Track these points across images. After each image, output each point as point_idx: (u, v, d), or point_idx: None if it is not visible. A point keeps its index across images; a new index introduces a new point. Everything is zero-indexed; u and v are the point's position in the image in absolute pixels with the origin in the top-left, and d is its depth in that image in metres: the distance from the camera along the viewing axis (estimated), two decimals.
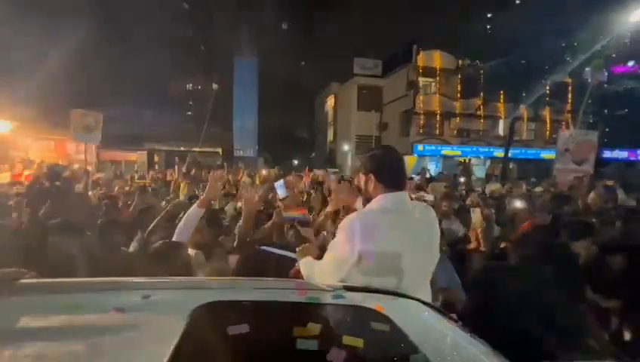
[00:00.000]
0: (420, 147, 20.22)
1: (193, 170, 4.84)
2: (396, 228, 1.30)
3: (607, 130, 21.80)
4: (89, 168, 5.12)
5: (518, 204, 2.94)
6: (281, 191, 2.32)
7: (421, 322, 0.98)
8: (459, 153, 20.67)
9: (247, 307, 0.92)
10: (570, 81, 19.83)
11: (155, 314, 0.88)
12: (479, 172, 18.91)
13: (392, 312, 0.90)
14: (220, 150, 17.33)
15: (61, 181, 4.33)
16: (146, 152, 11.13)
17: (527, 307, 1.70)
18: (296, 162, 28.32)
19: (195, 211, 1.96)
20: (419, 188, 4.12)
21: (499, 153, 21.40)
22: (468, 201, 3.77)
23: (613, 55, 21.29)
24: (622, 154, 22.33)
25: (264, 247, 1.78)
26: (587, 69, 21.65)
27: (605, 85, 19.34)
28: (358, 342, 0.73)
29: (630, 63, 23.15)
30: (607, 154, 22.16)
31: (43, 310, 0.85)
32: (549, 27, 13.12)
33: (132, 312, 0.85)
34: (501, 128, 21.79)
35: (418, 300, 1.11)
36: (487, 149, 20.41)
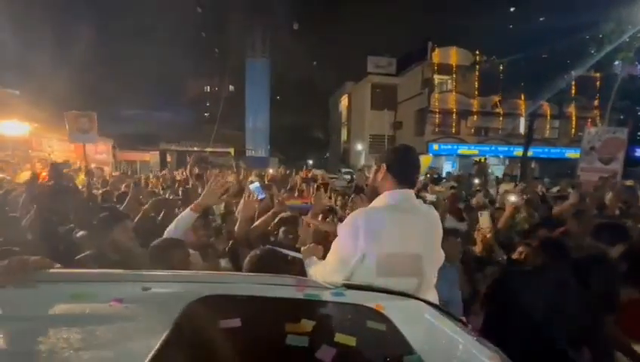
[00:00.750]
0: (436, 146, 19.85)
1: (196, 169, 4.91)
2: (402, 226, 1.27)
3: (638, 126, 20.75)
4: (92, 166, 5.27)
5: (513, 198, 2.84)
6: (258, 193, 2.31)
7: (423, 324, 0.97)
8: (476, 152, 20.16)
9: (243, 301, 0.93)
10: (597, 75, 18.99)
11: (151, 306, 0.90)
12: (498, 172, 18.38)
13: (392, 312, 0.89)
14: (232, 150, 17.60)
15: (63, 178, 4.49)
16: (158, 152, 11.42)
17: (550, 316, 1.66)
18: (310, 162, 28.44)
19: (187, 215, 1.90)
20: (420, 188, 4.06)
21: (518, 152, 20.75)
22: (474, 202, 3.68)
23: None
24: None
25: (272, 248, 1.77)
26: (617, 62, 20.76)
27: (638, 79, 18.42)
28: (350, 341, 0.73)
29: None
30: (639, 152, 21.12)
31: (48, 298, 0.89)
32: (573, 19, 12.56)
33: (130, 303, 0.87)
34: (521, 126, 21.11)
35: (424, 301, 1.09)
36: (506, 148, 19.84)
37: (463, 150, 20.09)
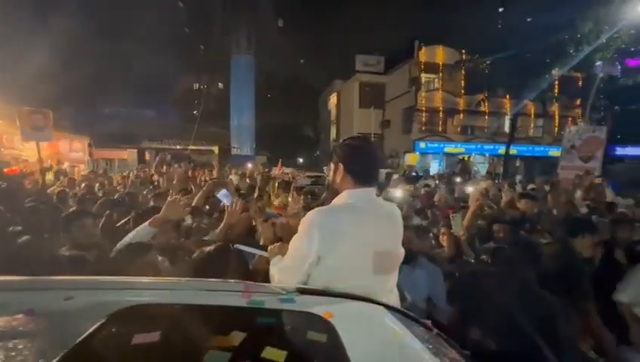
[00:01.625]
0: (422, 144, 20.09)
1: (164, 167, 4.81)
2: (360, 226, 1.23)
3: (619, 126, 21.45)
4: (66, 165, 5.10)
5: (470, 189, 2.91)
6: (225, 200, 2.32)
7: (375, 329, 0.93)
8: (462, 150, 20.49)
9: (172, 311, 0.87)
10: (579, 75, 19.51)
11: (65, 318, 0.83)
12: (484, 170, 18.73)
13: (342, 319, 0.85)
14: (216, 148, 17.33)
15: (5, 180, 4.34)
16: (136, 150, 11.12)
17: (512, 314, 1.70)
18: (301, 160, 28.29)
19: (144, 230, 1.76)
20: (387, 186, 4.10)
21: (503, 150, 21.18)
22: (435, 198, 3.74)
23: (632, 49, 21.00)
24: (635, 151, 21.96)
25: (238, 246, 1.73)
26: (598, 62, 21.33)
27: (618, 79, 19.01)
28: (280, 356, 0.68)
29: None
30: (619, 151, 21.82)
31: None
32: (556, 19, 12.85)
33: (41, 315, 0.80)
34: (507, 125, 21.56)
35: (383, 305, 1.05)
36: (491, 147, 20.21)
37: (450, 148, 20.38)
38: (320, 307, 0.91)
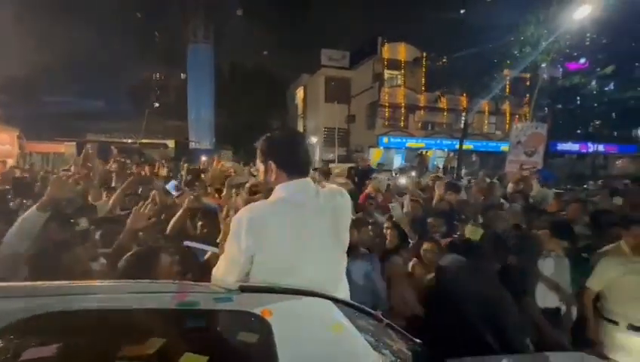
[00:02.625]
0: (386, 139, 20.66)
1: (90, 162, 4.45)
2: (290, 220, 1.19)
3: (560, 123, 23.58)
4: None
5: (403, 181, 3.06)
6: (174, 191, 2.34)
7: (316, 325, 0.90)
8: (423, 145, 21.38)
9: (88, 318, 0.80)
10: (527, 76, 21.12)
11: None
12: (442, 164, 19.70)
13: (281, 316, 0.83)
14: (172, 142, 16.43)
15: None
16: (74, 143, 10.16)
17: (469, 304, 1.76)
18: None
19: (32, 215, 1.58)
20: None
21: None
22: (369, 189, 3.86)
23: (575, 53, 23.02)
24: (574, 146, 24.28)
25: (187, 242, 1.73)
26: (543, 65, 23.15)
27: (558, 80, 20.83)
28: (201, 361, 0.65)
29: (582, 60, 25.11)
30: (560, 146, 24.02)
31: None
32: (507, 22, 13.76)
33: None
34: (463, 121, 22.83)
35: (332, 299, 1.03)
36: (450, 142, 21.27)
37: (411, 143, 21.17)
38: (259, 305, 0.88)
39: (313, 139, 24.07)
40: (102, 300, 0.89)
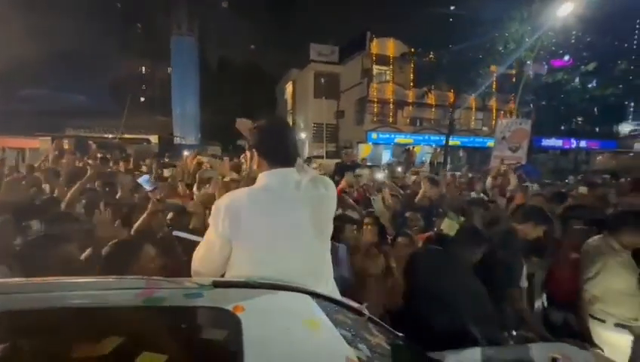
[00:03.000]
0: (374, 135, 20.75)
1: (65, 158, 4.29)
2: (266, 206, 1.19)
3: (545, 119, 24.10)
4: None
5: (380, 175, 3.09)
6: (147, 186, 2.33)
7: (290, 321, 0.88)
8: (411, 141, 21.55)
9: (48, 315, 0.77)
10: (513, 72, 21.46)
11: None
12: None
13: (253, 312, 0.81)
14: (155, 137, 16.03)
15: None
16: (49, 138, 9.81)
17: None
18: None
19: None
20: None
21: (450, 141, 22.65)
22: (342, 184, 3.88)
23: (560, 51, 23.44)
24: (558, 142, 24.89)
25: (176, 232, 1.74)
26: (529, 61, 23.49)
27: (542, 77, 21.25)
28: (158, 360, 0.63)
29: (566, 58, 25.65)
30: (545, 142, 24.60)
31: None
32: (496, 17, 13.88)
33: None
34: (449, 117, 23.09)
35: (310, 293, 1.01)
36: (437, 138, 21.50)
37: (400, 139, 21.31)
38: (230, 301, 0.86)
39: (302, 135, 24.01)
40: (61, 298, 0.86)
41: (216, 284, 0.96)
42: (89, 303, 0.85)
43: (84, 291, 0.92)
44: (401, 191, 3.88)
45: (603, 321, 2.17)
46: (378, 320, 1.24)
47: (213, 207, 1.22)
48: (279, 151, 1.27)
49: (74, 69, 22.24)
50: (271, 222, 1.18)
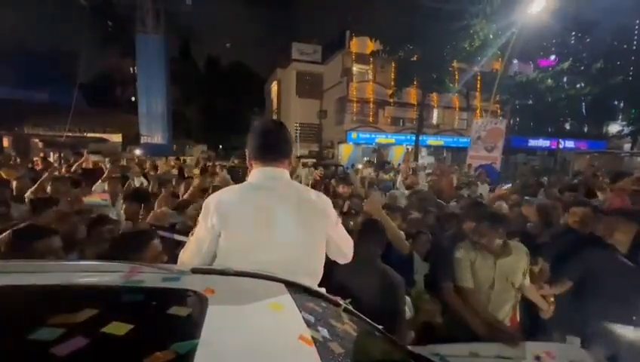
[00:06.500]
0: (354, 135, 20.85)
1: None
2: (254, 201, 1.29)
3: (531, 120, 24.43)
4: None
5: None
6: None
7: (255, 303, 0.92)
8: (393, 141, 21.68)
9: (30, 291, 0.86)
10: (498, 72, 21.75)
11: None
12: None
13: (222, 296, 0.88)
14: (117, 136, 15.74)
15: None
16: None
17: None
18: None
19: None
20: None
21: (432, 141, 22.82)
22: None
23: (541, 53, 23.74)
24: (545, 143, 25.25)
25: (160, 232, 1.81)
26: (515, 60, 23.72)
27: (514, 76, 21.60)
28: (121, 329, 0.68)
29: (552, 57, 26.10)
30: (532, 143, 24.93)
31: None
32: (460, 12, 13.96)
33: None
34: (435, 117, 23.25)
35: (285, 282, 1.06)
36: (420, 138, 21.64)
37: (381, 139, 21.42)
38: (203, 284, 0.92)
39: None
40: (45, 278, 0.94)
41: (195, 271, 1.04)
42: (70, 282, 0.95)
43: (67, 272, 1.03)
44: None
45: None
46: (358, 313, 1.30)
47: (205, 204, 1.32)
48: (265, 150, 1.37)
49: (36, 65, 21.71)
50: (258, 217, 1.26)
